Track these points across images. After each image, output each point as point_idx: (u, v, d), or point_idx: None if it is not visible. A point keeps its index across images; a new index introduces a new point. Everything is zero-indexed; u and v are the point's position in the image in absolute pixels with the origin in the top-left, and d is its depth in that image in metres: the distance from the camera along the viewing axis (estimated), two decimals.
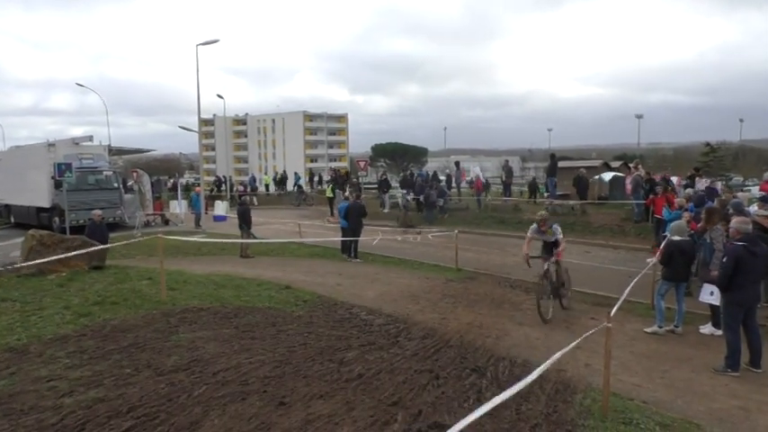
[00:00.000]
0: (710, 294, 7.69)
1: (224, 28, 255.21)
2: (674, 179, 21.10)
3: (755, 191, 20.30)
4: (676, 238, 8.58)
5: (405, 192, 25.38)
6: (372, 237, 15.99)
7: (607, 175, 23.35)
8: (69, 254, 10.30)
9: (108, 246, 12.77)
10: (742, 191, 20.95)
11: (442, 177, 27.39)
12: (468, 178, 28.17)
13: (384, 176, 31.32)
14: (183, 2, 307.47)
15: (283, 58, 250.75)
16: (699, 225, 9.51)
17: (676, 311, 8.73)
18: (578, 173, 22.15)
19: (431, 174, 28.26)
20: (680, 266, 8.49)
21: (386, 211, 26.24)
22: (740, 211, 9.62)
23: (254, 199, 32.67)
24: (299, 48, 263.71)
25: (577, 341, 5.24)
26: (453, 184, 27.68)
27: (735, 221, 7.47)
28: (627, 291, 7.46)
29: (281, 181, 39.15)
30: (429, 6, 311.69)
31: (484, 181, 26.44)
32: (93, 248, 10.76)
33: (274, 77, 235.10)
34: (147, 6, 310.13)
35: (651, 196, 16.82)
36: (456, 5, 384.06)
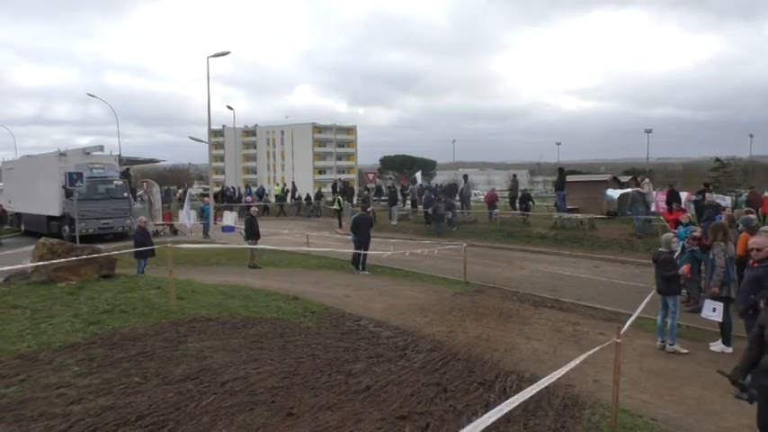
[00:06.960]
0: (713, 311, 7.54)
1: (218, 38, 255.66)
2: (683, 194, 21.06)
3: None
4: (660, 249, 8.63)
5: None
6: (383, 250, 16.00)
7: (615, 192, 23.39)
8: (79, 258, 10.38)
9: (146, 248, 13.19)
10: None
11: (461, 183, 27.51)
12: (409, 183, 28.44)
13: (393, 189, 31.38)
14: (178, 13, 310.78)
15: (277, 70, 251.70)
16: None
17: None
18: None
19: (440, 185, 28.36)
20: (656, 278, 8.54)
21: (394, 223, 26.28)
22: (750, 228, 9.57)
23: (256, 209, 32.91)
24: (292, 59, 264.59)
25: (584, 356, 5.20)
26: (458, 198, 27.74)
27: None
28: (640, 308, 7.38)
29: (290, 193, 39.20)
30: (420, 20, 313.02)
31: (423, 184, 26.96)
32: (99, 255, 10.88)
33: (270, 89, 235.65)
34: (143, 17, 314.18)
35: (664, 211, 16.80)
36: (446, 19, 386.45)
